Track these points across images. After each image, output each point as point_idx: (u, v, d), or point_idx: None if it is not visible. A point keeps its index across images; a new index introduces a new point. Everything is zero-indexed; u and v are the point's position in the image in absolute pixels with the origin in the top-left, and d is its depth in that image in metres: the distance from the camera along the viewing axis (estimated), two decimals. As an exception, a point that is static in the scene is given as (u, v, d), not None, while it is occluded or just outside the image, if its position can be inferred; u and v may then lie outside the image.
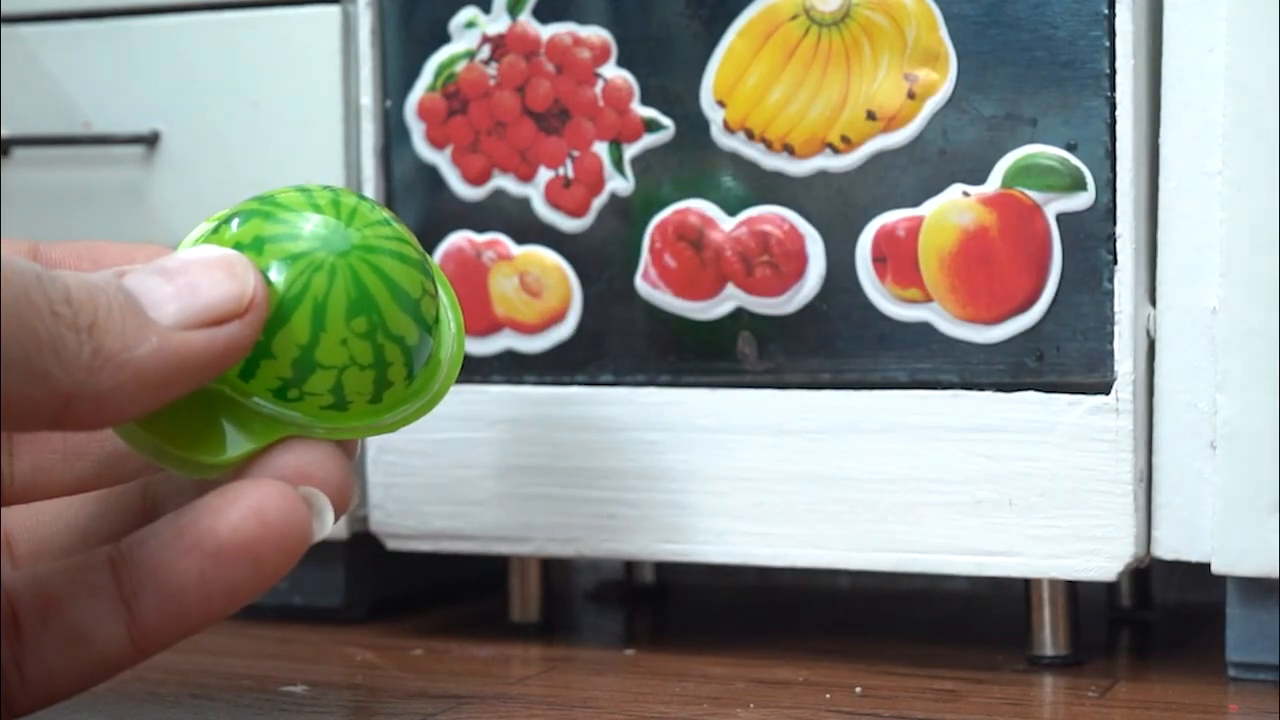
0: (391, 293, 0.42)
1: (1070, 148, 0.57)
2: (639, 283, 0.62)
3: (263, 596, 0.71)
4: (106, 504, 0.45)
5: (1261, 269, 0.55)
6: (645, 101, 0.62)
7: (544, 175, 0.63)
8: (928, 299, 0.59)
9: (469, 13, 0.64)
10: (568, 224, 0.63)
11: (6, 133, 0.73)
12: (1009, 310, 0.58)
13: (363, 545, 0.70)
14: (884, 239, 0.59)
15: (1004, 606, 0.73)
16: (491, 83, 0.64)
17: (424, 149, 0.65)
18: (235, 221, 0.42)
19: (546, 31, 0.63)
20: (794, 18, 0.60)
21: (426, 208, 0.64)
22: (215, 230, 0.43)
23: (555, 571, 0.71)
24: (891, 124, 0.59)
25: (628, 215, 0.63)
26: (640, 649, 0.65)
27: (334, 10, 0.69)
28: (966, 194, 0.58)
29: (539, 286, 0.64)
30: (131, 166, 0.72)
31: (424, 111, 0.65)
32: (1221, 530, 0.56)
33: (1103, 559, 0.57)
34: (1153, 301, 0.58)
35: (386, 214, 0.44)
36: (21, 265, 0.36)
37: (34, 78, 0.73)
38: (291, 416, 0.42)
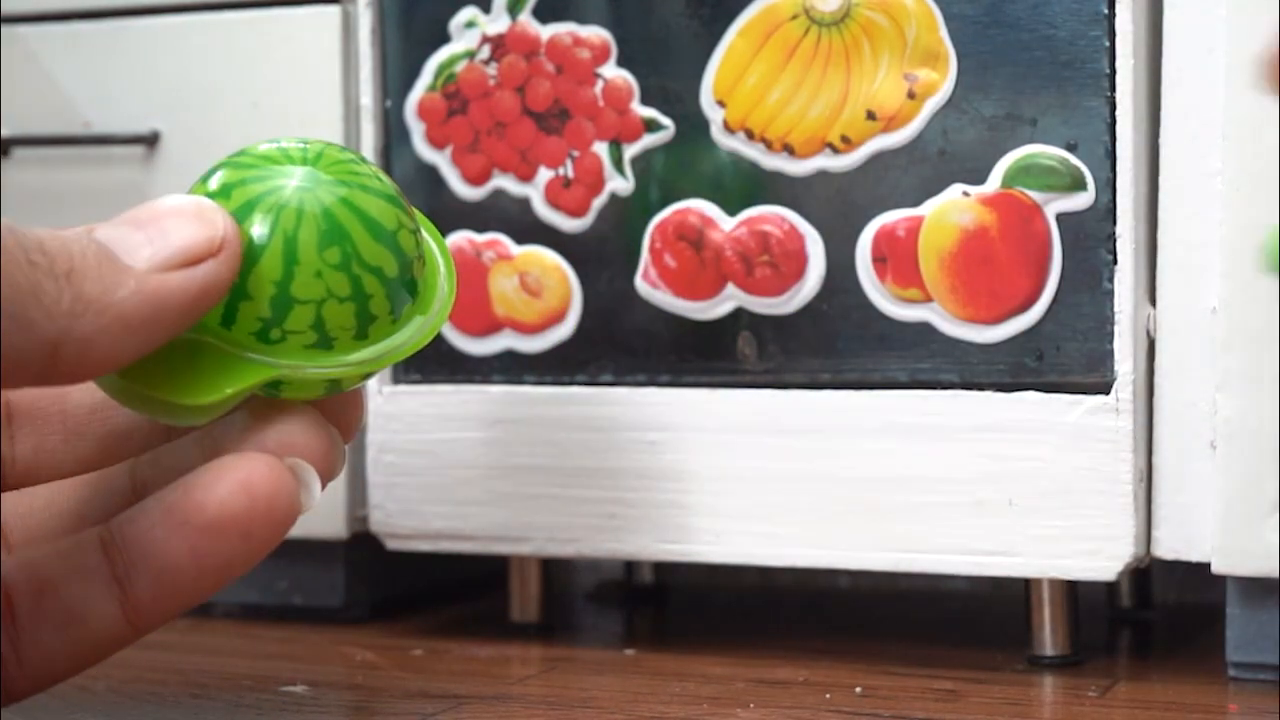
0: (364, 224, 0.42)
1: (1070, 148, 0.57)
2: (639, 283, 0.62)
3: (263, 596, 0.72)
4: (96, 487, 0.45)
5: (1261, 269, 0.55)
6: (645, 101, 0.62)
7: (544, 175, 0.63)
8: (928, 299, 0.59)
9: (469, 13, 0.64)
10: (568, 224, 0.63)
11: (6, 133, 0.73)
12: (1009, 310, 0.58)
13: (363, 545, 0.70)
14: (884, 239, 0.59)
15: (1004, 606, 0.73)
16: (491, 83, 0.64)
17: (424, 149, 0.65)
18: (211, 177, 0.43)
19: (546, 31, 0.63)
20: (794, 17, 0.60)
21: (426, 208, 0.64)
22: (192, 189, 0.43)
23: (555, 571, 0.71)
24: (891, 124, 0.59)
25: (628, 215, 0.63)
26: (640, 649, 0.65)
27: (334, 10, 0.69)
28: (966, 194, 0.58)
29: (539, 286, 0.64)
30: (131, 166, 0.72)
31: (424, 111, 0.65)
32: (1221, 530, 0.56)
33: (1103, 559, 0.57)
34: (1152, 301, 0.58)
35: (357, 155, 0.44)
36: None
37: (34, 78, 0.73)
38: (277, 361, 0.42)
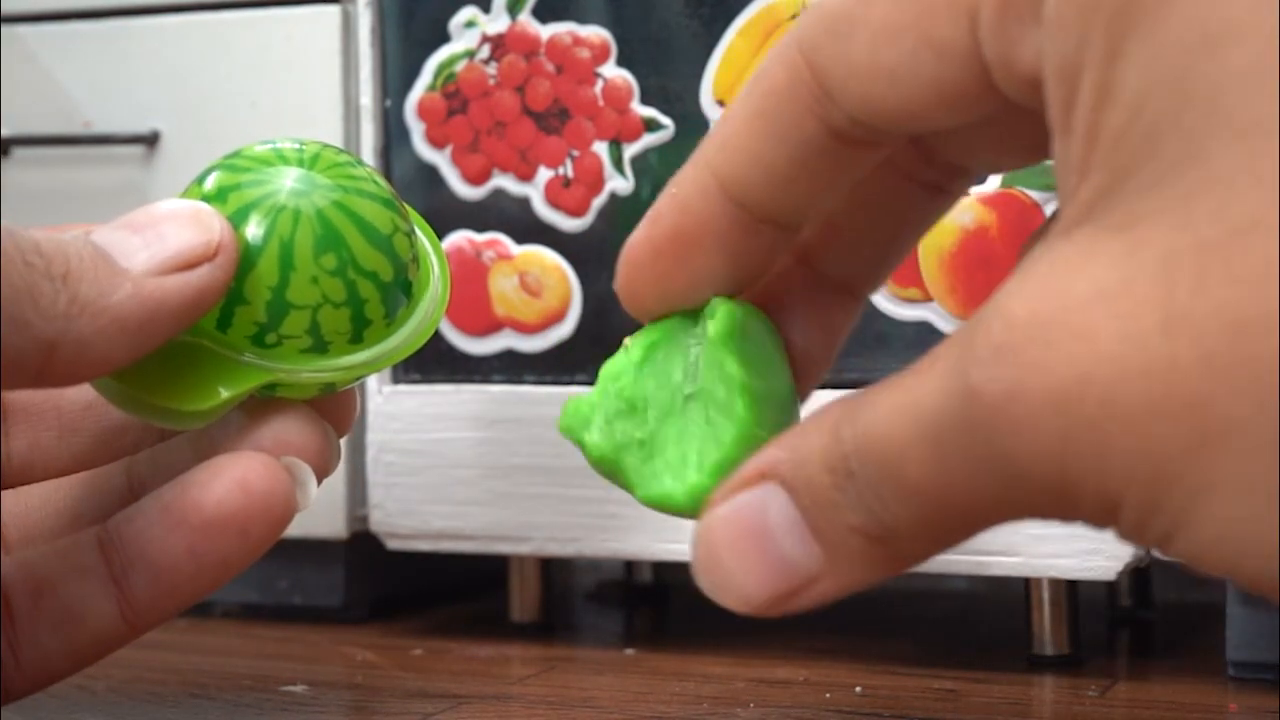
0: (360, 229, 0.42)
1: (1070, 147, 0.57)
2: (639, 282, 0.62)
3: (263, 596, 0.72)
4: (92, 486, 0.45)
5: (1261, 269, 0.55)
6: (645, 101, 0.62)
7: (544, 175, 0.63)
8: (927, 298, 0.59)
9: (469, 12, 0.64)
10: (567, 224, 0.63)
11: (6, 133, 0.73)
12: (1009, 310, 0.58)
13: (363, 545, 0.70)
14: (884, 239, 0.59)
15: (1004, 606, 0.73)
16: (491, 82, 0.64)
17: (424, 149, 0.65)
18: (207, 178, 0.43)
19: (546, 31, 0.63)
20: (793, 17, 0.60)
21: (426, 207, 0.64)
22: (187, 190, 0.43)
23: (555, 571, 0.71)
24: (891, 124, 0.59)
25: (628, 215, 0.62)
26: (640, 649, 0.65)
27: (334, 10, 0.69)
28: (966, 193, 0.58)
29: (539, 286, 0.64)
30: (131, 166, 0.72)
31: (424, 111, 0.65)
32: (1221, 530, 0.56)
33: (1103, 559, 0.57)
34: (1153, 301, 0.58)
35: (353, 157, 0.44)
36: None
37: (34, 78, 0.73)
38: (273, 365, 0.42)
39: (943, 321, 0.59)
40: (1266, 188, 0.26)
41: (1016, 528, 0.58)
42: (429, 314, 0.45)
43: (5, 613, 0.40)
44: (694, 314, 0.40)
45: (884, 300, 0.59)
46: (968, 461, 0.29)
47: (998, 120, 0.34)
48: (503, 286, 0.64)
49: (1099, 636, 0.68)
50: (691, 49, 0.61)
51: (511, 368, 0.64)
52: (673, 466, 0.39)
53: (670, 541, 0.62)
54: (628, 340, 0.41)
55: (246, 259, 0.41)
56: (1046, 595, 0.60)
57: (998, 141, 0.37)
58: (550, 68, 0.63)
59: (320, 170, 0.43)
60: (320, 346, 0.42)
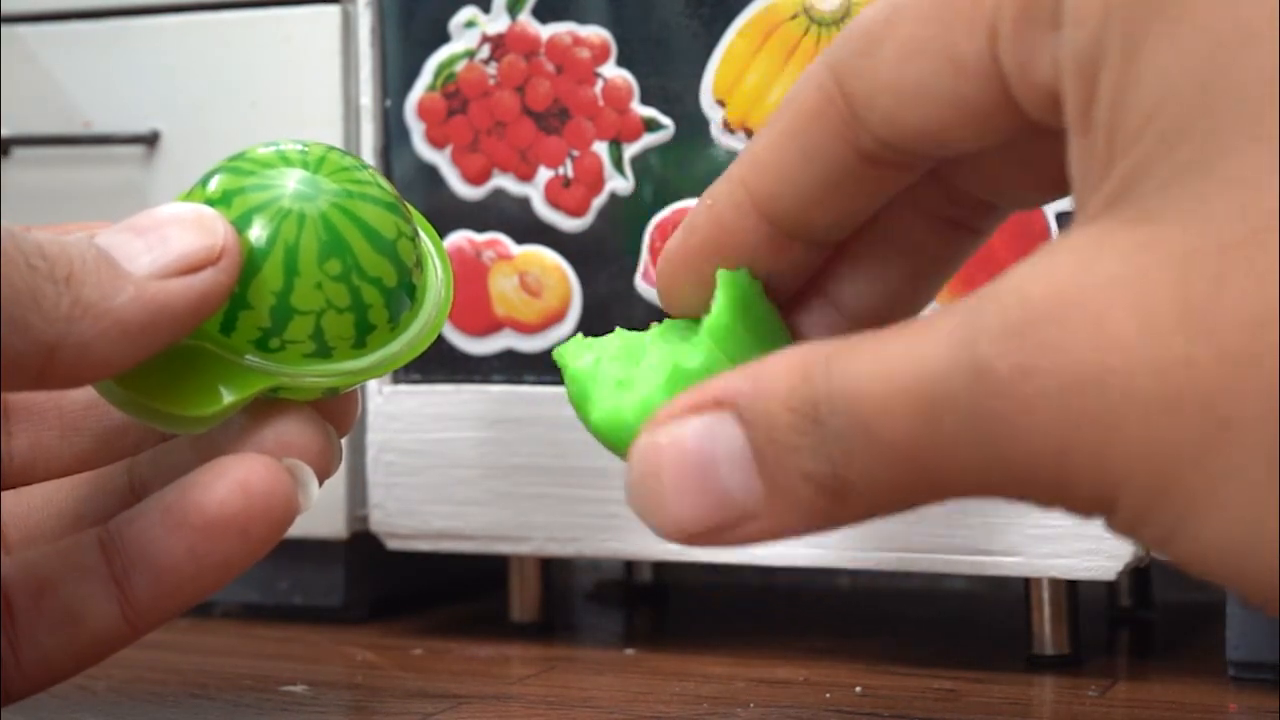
0: (365, 234, 0.42)
1: (1070, 147, 0.57)
2: (639, 283, 0.62)
3: (263, 596, 0.72)
4: (94, 487, 0.45)
5: (1261, 269, 0.55)
6: (645, 101, 0.62)
7: (544, 175, 0.63)
8: (928, 299, 0.59)
9: (469, 12, 0.64)
10: (567, 224, 0.63)
11: (6, 133, 0.73)
12: (1009, 310, 0.58)
13: (363, 545, 0.70)
14: (884, 239, 0.59)
15: (1004, 606, 0.73)
16: (491, 82, 0.64)
17: (424, 149, 0.65)
18: (210, 180, 0.43)
19: (546, 31, 0.63)
20: (793, 17, 0.60)
21: (426, 207, 0.64)
22: (190, 191, 0.43)
23: (555, 571, 0.71)
24: (891, 124, 0.59)
25: (627, 215, 0.63)
26: (640, 649, 0.65)
27: (334, 10, 0.69)
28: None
29: (539, 286, 0.64)
30: (131, 166, 0.72)
31: (424, 111, 0.65)
32: (1221, 530, 0.56)
33: (1102, 558, 0.57)
34: (1153, 301, 0.58)
35: (357, 160, 0.44)
36: None
37: (34, 78, 0.73)
38: (276, 367, 0.42)
39: (943, 321, 0.59)
40: None
41: (1017, 528, 0.58)
42: (432, 318, 0.45)
43: (6, 613, 0.40)
44: None
45: (884, 300, 0.59)
46: (960, 432, 0.29)
47: (1018, 147, 0.34)
48: (503, 286, 0.64)
49: (1099, 636, 0.68)
50: (691, 49, 0.61)
51: (511, 368, 0.64)
52: (633, 394, 0.39)
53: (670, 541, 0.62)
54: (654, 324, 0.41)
55: (251, 263, 0.41)
56: (1046, 595, 0.60)
57: (1019, 171, 0.37)
58: (550, 68, 0.63)
59: (325, 174, 0.43)
60: (324, 351, 0.42)
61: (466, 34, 0.64)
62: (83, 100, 0.73)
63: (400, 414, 0.65)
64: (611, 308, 0.63)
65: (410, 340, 0.44)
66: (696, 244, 0.39)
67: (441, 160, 0.65)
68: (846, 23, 0.59)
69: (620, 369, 0.40)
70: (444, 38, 0.65)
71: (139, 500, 0.42)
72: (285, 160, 0.43)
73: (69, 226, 0.44)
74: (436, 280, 0.46)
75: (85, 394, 0.46)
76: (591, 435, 0.39)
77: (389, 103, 0.66)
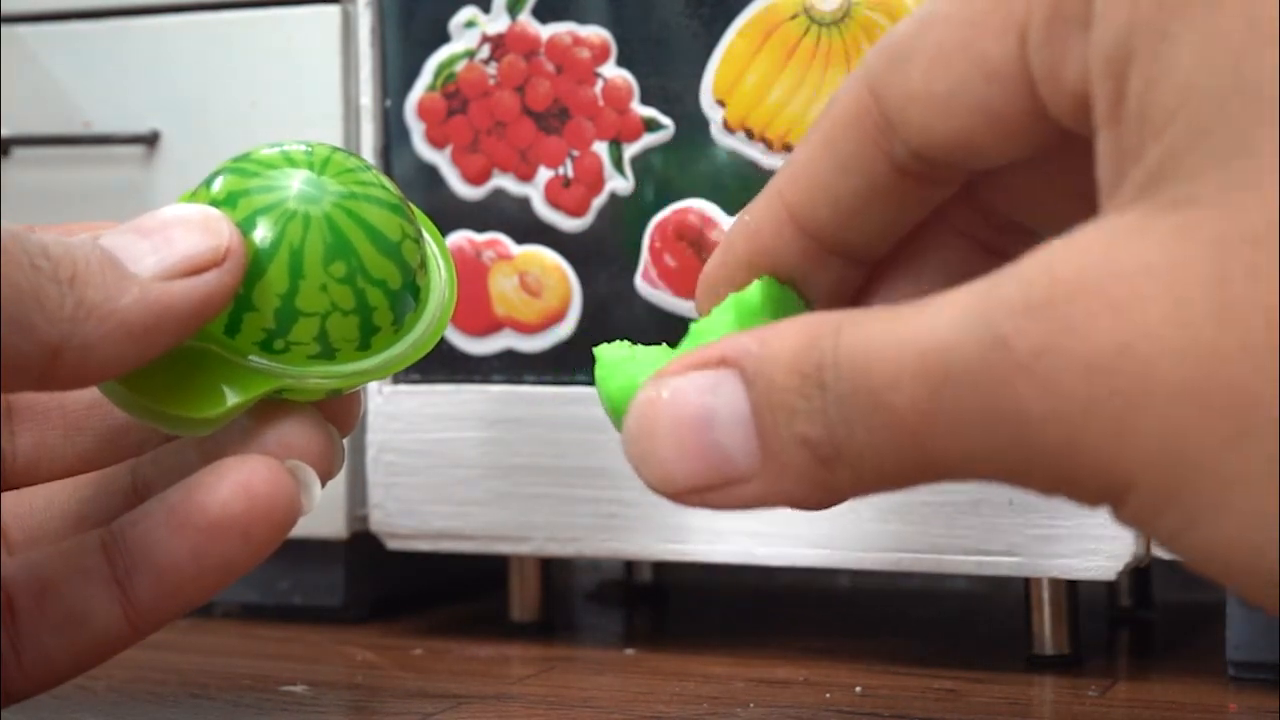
0: (369, 236, 0.42)
1: (1070, 147, 0.57)
2: (639, 282, 0.62)
3: (263, 596, 0.72)
4: (97, 488, 0.45)
5: (1261, 269, 0.55)
6: (645, 101, 0.62)
7: (544, 175, 0.63)
8: (928, 299, 0.59)
9: (469, 12, 0.64)
10: (567, 224, 0.63)
11: (6, 133, 0.73)
12: (1009, 310, 0.58)
13: (363, 545, 0.70)
14: (884, 239, 0.59)
15: (1004, 606, 0.73)
16: (491, 82, 0.64)
17: (424, 149, 0.65)
18: (215, 181, 0.43)
19: (546, 31, 0.63)
20: (794, 17, 0.60)
21: (426, 207, 0.64)
22: (195, 191, 0.43)
23: (555, 571, 0.71)
24: (891, 124, 0.59)
25: (627, 215, 0.63)
26: (640, 649, 0.65)
27: (334, 10, 0.69)
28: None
29: (539, 286, 0.64)
30: (131, 166, 0.72)
31: (424, 111, 0.65)
32: (1221, 530, 0.56)
33: (1103, 559, 0.57)
34: (1153, 301, 0.58)
35: (363, 161, 0.44)
36: None
37: (34, 78, 0.73)
38: (281, 369, 0.42)
39: (943, 321, 0.59)
40: None
41: (1016, 528, 0.58)
42: (435, 319, 0.45)
43: (8, 613, 0.40)
44: None
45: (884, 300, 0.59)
46: (968, 407, 0.28)
47: (1049, 163, 0.34)
48: (503, 286, 0.64)
49: (1099, 636, 0.68)
50: (691, 49, 0.61)
51: (511, 368, 0.64)
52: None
53: (671, 541, 0.62)
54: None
55: (256, 265, 0.41)
56: (1046, 595, 0.60)
57: (1050, 187, 0.37)
58: (550, 68, 0.63)
59: (330, 175, 0.43)
60: (328, 353, 0.42)
61: (466, 34, 0.64)
62: (83, 100, 0.73)
63: (400, 414, 0.65)
64: (611, 308, 0.63)
65: (414, 342, 0.44)
66: (734, 260, 0.39)
67: (441, 160, 0.65)
68: (847, 22, 0.59)
69: (651, 357, 0.40)
70: (444, 38, 0.65)
71: (143, 501, 0.42)
72: (289, 161, 0.43)
73: (73, 227, 0.44)
74: (440, 281, 0.46)
75: (88, 393, 0.46)
76: (607, 413, 0.39)
77: (389, 103, 0.66)
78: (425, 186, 0.65)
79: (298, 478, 0.41)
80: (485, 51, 0.64)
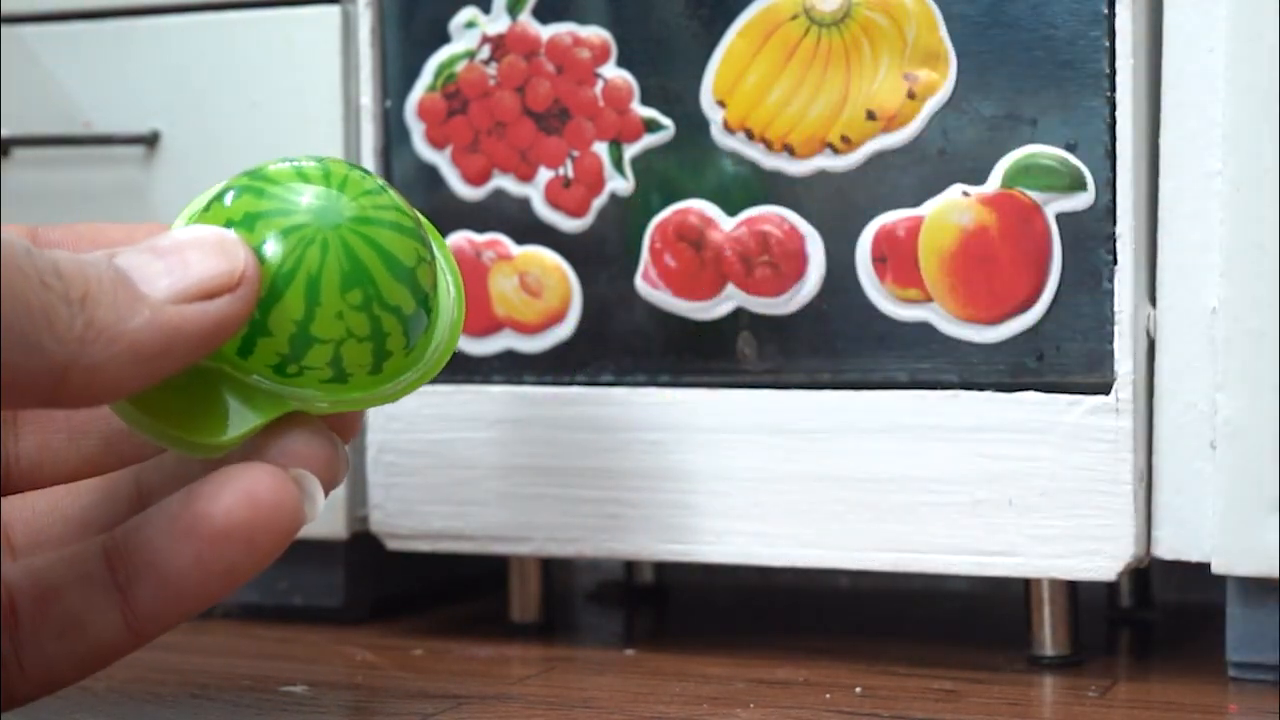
0: (386, 263, 0.42)
1: (1070, 148, 0.57)
2: (639, 283, 0.62)
3: (263, 597, 0.72)
4: (101, 493, 0.45)
5: (1261, 269, 0.55)
6: (645, 101, 0.62)
7: (544, 175, 0.63)
8: (928, 299, 0.59)
9: (469, 13, 0.64)
10: (567, 224, 0.63)
11: (6, 133, 0.73)
12: (1009, 310, 0.58)
13: (363, 545, 0.70)
14: (884, 239, 0.59)
15: (1004, 606, 0.73)
16: (491, 83, 0.64)
17: (424, 149, 0.65)
18: (228, 197, 0.42)
19: (546, 31, 0.63)
20: (794, 18, 0.60)
21: (426, 208, 0.64)
22: (208, 208, 0.43)
23: (555, 571, 0.71)
24: (891, 124, 0.59)
25: (628, 215, 0.63)
26: (640, 649, 0.65)
27: (334, 10, 0.69)
28: (966, 194, 0.58)
29: (539, 286, 0.64)
30: (131, 166, 0.72)
31: (424, 111, 0.65)
32: (1221, 530, 0.56)
33: (1103, 559, 0.57)
34: (1153, 301, 0.58)
35: (379, 182, 0.44)
36: (9, 237, 0.36)
37: (34, 78, 0.73)
38: (292, 392, 0.42)
39: (943, 321, 0.59)
40: None
41: (1017, 528, 0.58)
42: (445, 340, 0.45)
43: (10, 618, 0.40)
44: None
45: (884, 300, 0.59)
46: None
47: None
48: (503, 287, 0.64)
49: (1099, 636, 0.68)
50: (691, 49, 0.61)
51: (511, 368, 0.64)
52: None
53: (671, 541, 0.62)
54: None
55: (272, 290, 0.41)
56: (1046, 595, 0.60)
57: None
58: (550, 68, 0.63)
59: (348, 197, 0.42)
60: (340, 378, 0.42)
61: (466, 34, 0.64)
62: (83, 100, 0.73)
63: (400, 414, 0.65)
64: (612, 308, 0.63)
65: (425, 365, 0.44)
66: None
67: (441, 160, 0.65)
68: (847, 23, 0.59)
69: None
70: (444, 38, 0.65)
71: (145, 507, 0.42)
72: (304, 178, 0.42)
73: (105, 228, 0.44)
74: (449, 299, 0.45)
75: None
76: None
77: (389, 103, 0.66)
78: (425, 187, 0.65)
79: (302, 486, 0.41)
80: (485, 52, 0.64)
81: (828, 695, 0.56)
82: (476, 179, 0.64)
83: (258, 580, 0.72)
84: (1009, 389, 0.58)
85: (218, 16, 0.71)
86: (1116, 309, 0.57)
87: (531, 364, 0.64)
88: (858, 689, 0.57)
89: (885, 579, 0.79)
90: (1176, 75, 0.57)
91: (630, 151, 0.62)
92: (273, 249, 0.41)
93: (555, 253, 0.63)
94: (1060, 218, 0.57)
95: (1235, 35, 0.56)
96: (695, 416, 0.61)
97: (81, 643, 0.40)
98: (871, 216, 0.59)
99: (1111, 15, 0.56)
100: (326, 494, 0.42)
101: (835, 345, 0.60)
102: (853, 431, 0.60)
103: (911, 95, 0.59)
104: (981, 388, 0.58)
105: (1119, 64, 0.56)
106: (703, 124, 0.61)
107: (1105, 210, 0.57)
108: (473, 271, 0.64)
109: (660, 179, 0.62)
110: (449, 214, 0.65)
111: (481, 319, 0.64)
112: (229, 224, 0.41)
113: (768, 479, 0.61)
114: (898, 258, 0.59)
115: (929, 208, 0.59)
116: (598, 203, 0.63)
